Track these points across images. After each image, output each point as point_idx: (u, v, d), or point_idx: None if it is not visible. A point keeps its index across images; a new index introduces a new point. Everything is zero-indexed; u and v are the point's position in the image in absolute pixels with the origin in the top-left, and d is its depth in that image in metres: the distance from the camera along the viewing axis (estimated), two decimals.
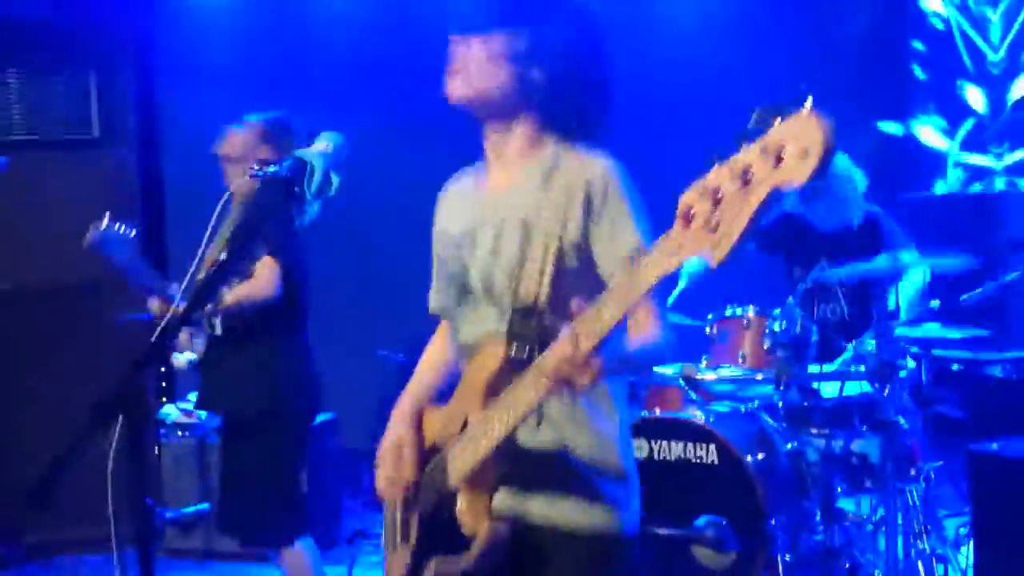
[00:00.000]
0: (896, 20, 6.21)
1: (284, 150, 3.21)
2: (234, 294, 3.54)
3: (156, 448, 4.94)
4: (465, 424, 2.04)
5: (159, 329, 1.83)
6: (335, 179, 2.12)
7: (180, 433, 4.95)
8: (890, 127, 6.20)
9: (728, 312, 4.24)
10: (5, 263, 5.17)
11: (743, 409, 4.18)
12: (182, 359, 3.85)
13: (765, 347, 4.10)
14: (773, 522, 3.78)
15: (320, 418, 4.24)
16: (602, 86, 2.13)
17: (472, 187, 2.23)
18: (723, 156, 1.46)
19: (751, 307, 4.25)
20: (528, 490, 2.06)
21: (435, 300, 2.31)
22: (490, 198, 2.16)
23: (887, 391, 3.89)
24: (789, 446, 4.06)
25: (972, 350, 4.74)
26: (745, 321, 4.19)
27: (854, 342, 4.15)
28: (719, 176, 1.45)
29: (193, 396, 5.07)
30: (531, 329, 1.98)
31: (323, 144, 2.11)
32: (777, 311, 4.11)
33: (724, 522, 3.81)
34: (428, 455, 2.19)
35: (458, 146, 2.24)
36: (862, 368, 4.02)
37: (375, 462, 2.27)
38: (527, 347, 1.96)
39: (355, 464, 5.25)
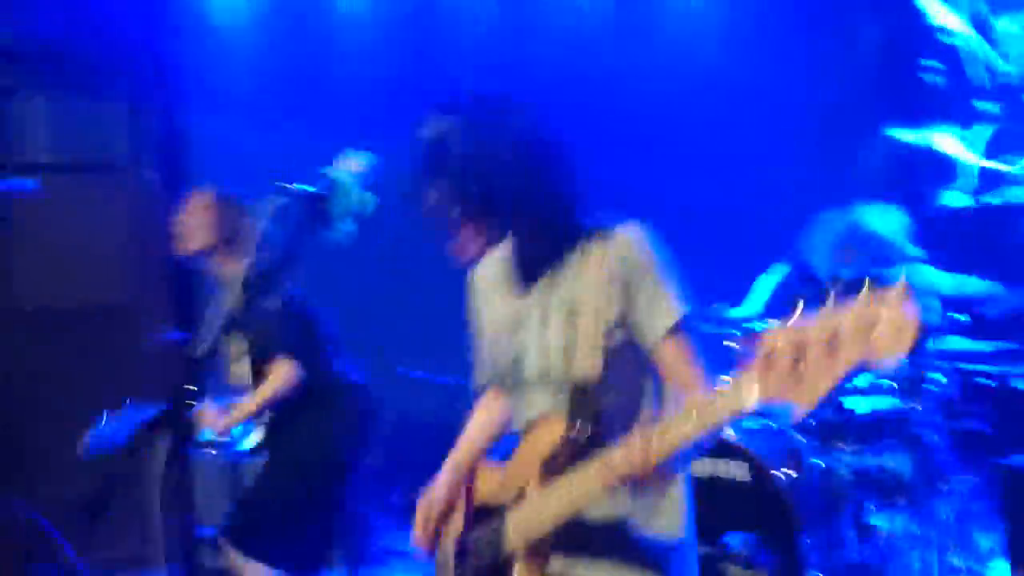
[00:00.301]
0: (908, 30, 6.22)
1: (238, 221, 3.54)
2: (259, 399, 3.73)
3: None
4: (522, 493, 2.11)
5: (200, 348, 1.84)
6: (370, 198, 2.14)
7: (213, 451, 4.96)
8: (906, 135, 6.18)
9: (756, 327, 4.24)
10: (33, 284, 5.21)
11: (774, 425, 4.17)
12: (246, 444, 4.04)
13: None
14: (806, 539, 3.76)
15: None
16: (565, 167, 2.12)
17: (505, 273, 2.26)
18: (808, 299, 1.50)
19: (779, 322, 4.23)
20: (581, 557, 2.11)
21: (482, 377, 2.39)
22: (529, 284, 2.20)
23: (917, 406, 3.88)
24: (820, 462, 4.03)
25: (1001, 364, 4.71)
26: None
27: None
28: (807, 333, 1.47)
29: None
30: (587, 408, 2.05)
31: (352, 163, 2.13)
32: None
33: (755, 539, 3.79)
34: (480, 513, 2.26)
35: None
36: (892, 384, 4.00)
37: (418, 505, 2.33)
38: (585, 425, 2.03)
39: (379, 480, 5.27)
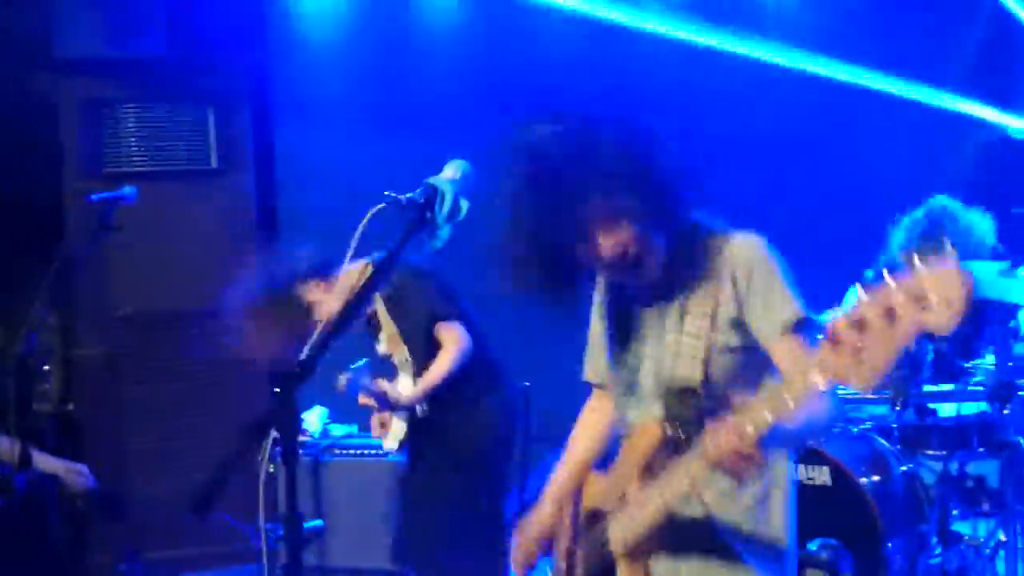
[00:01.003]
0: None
1: None
2: (429, 380, 3.66)
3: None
4: (624, 496, 2.15)
5: (308, 347, 1.93)
6: (464, 204, 2.21)
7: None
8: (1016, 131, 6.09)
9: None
10: (130, 289, 5.38)
11: (855, 430, 4.15)
12: (388, 443, 3.97)
13: None
14: (889, 545, 3.74)
15: None
16: (678, 169, 2.11)
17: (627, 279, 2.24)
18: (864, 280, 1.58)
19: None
20: (683, 558, 2.15)
21: (594, 375, 2.41)
22: (643, 292, 2.22)
23: (1006, 411, 3.84)
24: (904, 468, 4.01)
25: None
26: None
27: (973, 363, 4.11)
28: (866, 309, 1.55)
29: (307, 414, 5.25)
30: (687, 410, 2.08)
31: (451, 171, 2.21)
32: None
33: (839, 545, 3.78)
34: (588, 519, 2.30)
35: None
36: (980, 388, 3.96)
37: (518, 526, 2.39)
38: (683, 428, 2.06)
39: None
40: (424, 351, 3.77)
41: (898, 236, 4.40)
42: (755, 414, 1.78)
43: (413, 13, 6.02)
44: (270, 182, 5.66)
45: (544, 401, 3.91)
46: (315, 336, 1.97)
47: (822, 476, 3.87)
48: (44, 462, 4.17)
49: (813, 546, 3.80)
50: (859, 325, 1.54)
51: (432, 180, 2.15)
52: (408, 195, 2.09)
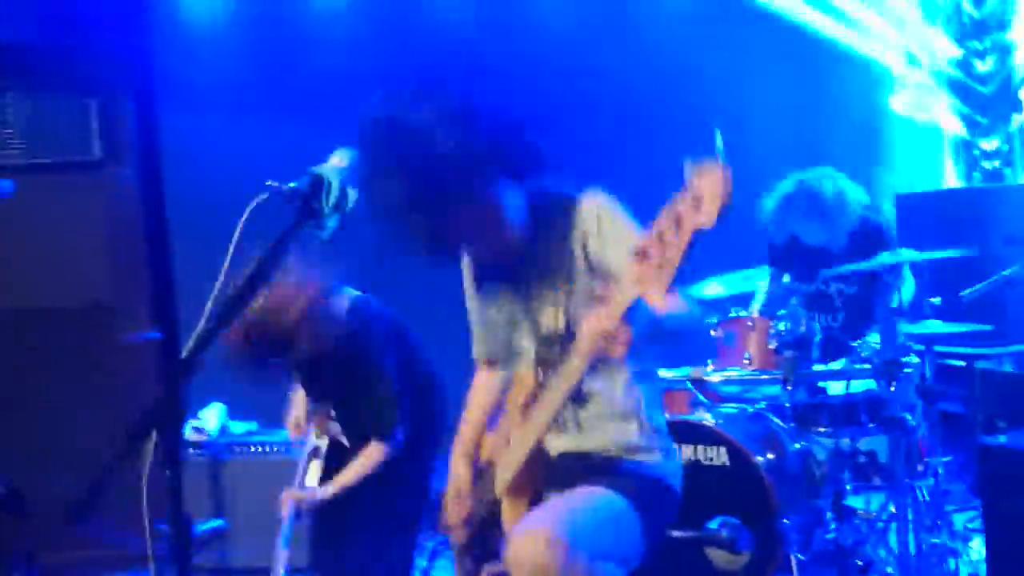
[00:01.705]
0: None
1: None
2: (344, 480, 3.41)
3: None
4: (508, 443, 2.30)
5: (190, 345, 1.86)
6: (352, 193, 2.16)
7: (191, 450, 4.96)
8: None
9: (733, 314, 4.29)
10: (9, 284, 5.18)
11: (750, 410, 4.22)
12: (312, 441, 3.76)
13: (771, 348, 4.14)
14: (786, 521, 3.81)
15: None
16: (530, 131, 2.26)
17: (487, 251, 2.40)
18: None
19: (756, 308, 4.31)
20: (555, 487, 2.25)
21: (480, 351, 2.59)
22: (505, 262, 2.36)
23: (893, 388, 3.93)
24: (798, 445, 4.09)
25: (974, 345, 4.78)
26: (750, 322, 4.23)
27: (859, 341, 4.21)
28: (661, 222, 1.76)
29: (205, 412, 5.12)
30: (555, 355, 2.22)
31: (337, 159, 2.16)
32: (783, 311, 4.17)
33: (737, 523, 3.83)
34: (480, 474, 2.44)
35: None
36: (868, 366, 4.06)
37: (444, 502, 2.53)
38: (552, 371, 2.19)
39: None
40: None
41: (768, 204, 4.51)
42: (614, 294, 1.91)
43: None
44: (155, 172, 5.49)
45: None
46: (198, 330, 1.89)
47: (719, 456, 3.93)
48: None
49: (713, 524, 3.85)
50: (658, 238, 1.75)
51: (317, 169, 2.10)
52: (292, 184, 2.03)
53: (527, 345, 2.33)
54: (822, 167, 4.55)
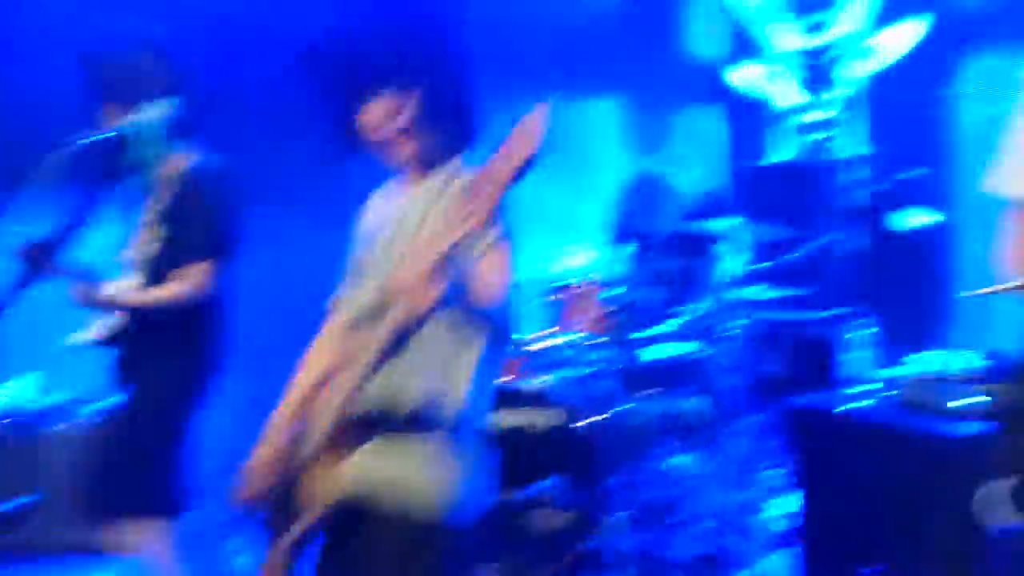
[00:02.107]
0: None
1: None
2: (146, 297, 3.11)
3: None
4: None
5: None
6: (166, 145, 2.12)
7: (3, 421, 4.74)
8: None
9: (566, 280, 4.36)
10: None
11: (579, 374, 4.30)
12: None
13: (601, 312, 4.24)
14: (612, 481, 3.91)
15: None
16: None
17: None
18: None
19: (588, 273, 4.40)
20: (365, 440, 2.18)
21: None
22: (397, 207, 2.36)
23: (714, 351, 4.09)
24: (623, 407, 4.20)
25: (794, 310, 4.99)
26: (582, 288, 4.31)
27: (686, 305, 4.35)
28: (492, 164, 1.85)
29: (10, 383, 4.90)
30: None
31: (154, 111, 2.11)
32: (613, 276, 4.28)
33: (561, 484, 3.93)
34: (295, 435, 2.30)
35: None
36: (692, 330, 4.20)
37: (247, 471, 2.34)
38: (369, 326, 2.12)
39: None
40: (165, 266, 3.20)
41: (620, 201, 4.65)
42: (426, 247, 1.93)
43: None
44: None
45: None
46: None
47: (546, 419, 4.00)
48: None
49: (541, 487, 3.93)
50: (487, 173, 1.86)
51: (131, 119, 2.05)
52: (93, 137, 1.97)
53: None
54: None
